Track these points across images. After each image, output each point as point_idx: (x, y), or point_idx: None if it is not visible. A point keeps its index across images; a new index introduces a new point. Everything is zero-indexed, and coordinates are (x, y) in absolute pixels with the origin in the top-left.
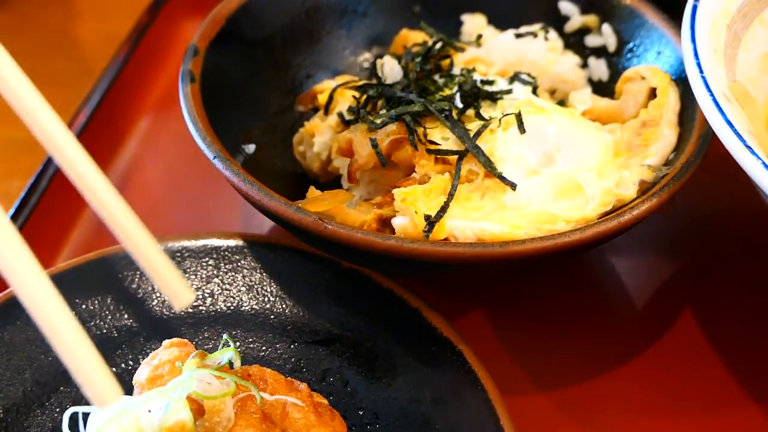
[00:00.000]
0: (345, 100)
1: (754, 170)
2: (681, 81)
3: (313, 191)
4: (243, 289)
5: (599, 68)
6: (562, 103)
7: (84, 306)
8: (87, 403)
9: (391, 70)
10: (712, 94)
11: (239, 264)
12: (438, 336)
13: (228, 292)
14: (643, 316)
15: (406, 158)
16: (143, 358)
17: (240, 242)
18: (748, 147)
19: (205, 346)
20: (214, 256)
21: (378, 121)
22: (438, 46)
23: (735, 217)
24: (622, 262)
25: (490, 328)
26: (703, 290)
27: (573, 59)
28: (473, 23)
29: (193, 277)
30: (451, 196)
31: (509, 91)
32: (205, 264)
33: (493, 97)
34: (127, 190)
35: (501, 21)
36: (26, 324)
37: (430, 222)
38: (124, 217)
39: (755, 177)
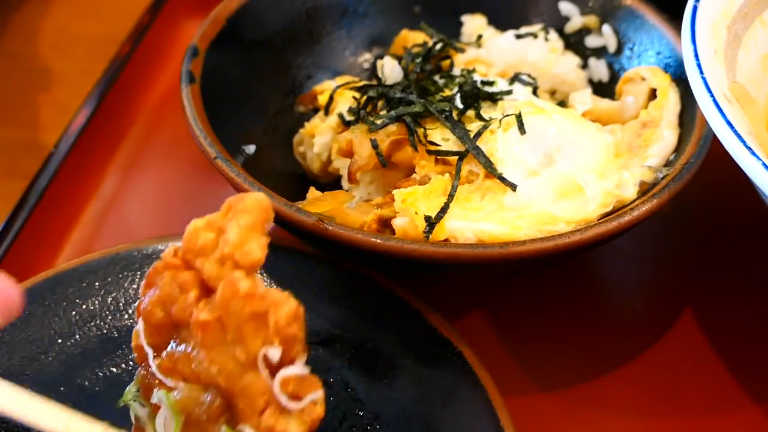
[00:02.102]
0: (345, 101)
1: (754, 171)
2: (681, 82)
3: (313, 192)
4: None
5: (599, 69)
6: (562, 103)
7: (84, 306)
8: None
9: (391, 70)
10: (712, 95)
11: None
12: (438, 337)
13: None
14: (643, 316)
15: (407, 159)
16: None
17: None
18: (749, 148)
19: None
20: None
21: (378, 121)
22: (438, 46)
23: (735, 218)
24: (623, 262)
25: (490, 329)
26: (703, 291)
27: (573, 60)
28: (473, 24)
29: None
30: (451, 197)
31: (509, 92)
32: None
33: (494, 98)
34: (127, 190)
35: (501, 22)
36: (26, 324)
37: (431, 223)
38: None
39: (755, 178)
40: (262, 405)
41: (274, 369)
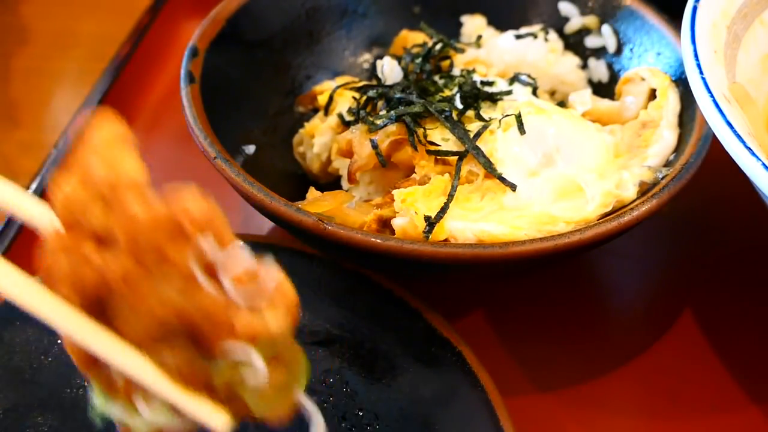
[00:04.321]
0: (345, 101)
1: (754, 171)
2: (681, 82)
3: (313, 192)
4: None
5: (599, 69)
6: (562, 104)
7: None
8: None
9: (391, 71)
10: (712, 96)
11: None
12: (438, 336)
13: None
14: (643, 316)
15: (406, 159)
16: None
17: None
18: (749, 148)
19: None
20: None
21: (378, 122)
22: (438, 47)
23: (735, 218)
24: (623, 263)
25: (490, 329)
26: (703, 291)
27: (573, 60)
28: (473, 24)
29: None
30: (451, 197)
31: (509, 92)
32: None
33: (493, 98)
34: None
35: (501, 22)
36: (26, 324)
37: (430, 223)
38: None
39: (755, 178)
40: (229, 319)
41: (217, 276)
